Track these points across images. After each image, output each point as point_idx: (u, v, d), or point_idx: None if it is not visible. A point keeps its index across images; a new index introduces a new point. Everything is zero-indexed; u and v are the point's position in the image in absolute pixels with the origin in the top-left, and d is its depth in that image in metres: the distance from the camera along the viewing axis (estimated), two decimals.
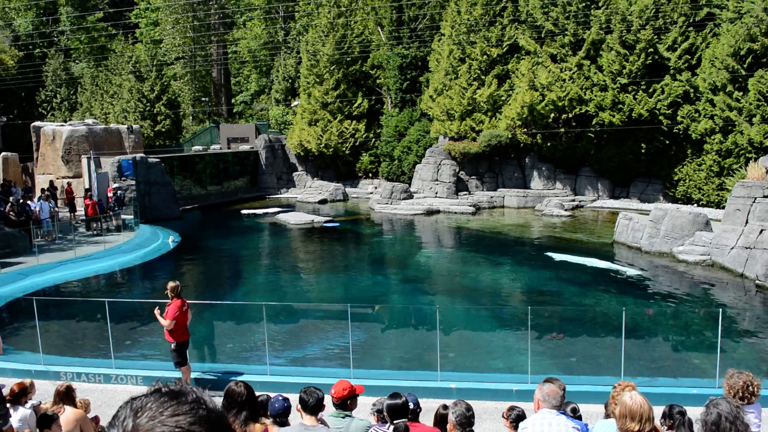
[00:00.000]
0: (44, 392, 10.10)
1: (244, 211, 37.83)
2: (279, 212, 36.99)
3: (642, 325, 16.59)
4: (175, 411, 1.72)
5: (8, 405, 7.61)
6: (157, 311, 11.55)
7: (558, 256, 24.46)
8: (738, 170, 29.84)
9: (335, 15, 46.10)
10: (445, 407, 7.25)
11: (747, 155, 30.20)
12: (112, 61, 54.25)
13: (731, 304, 19.12)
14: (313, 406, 6.03)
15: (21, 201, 27.43)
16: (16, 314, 18.27)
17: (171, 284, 11.60)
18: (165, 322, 11.31)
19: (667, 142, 34.42)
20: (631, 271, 22.43)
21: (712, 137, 32.04)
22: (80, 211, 32.03)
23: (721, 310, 13.54)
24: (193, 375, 12.01)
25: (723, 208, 25.99)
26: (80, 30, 63.55)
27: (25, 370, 12.42)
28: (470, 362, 13.92)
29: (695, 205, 33.15)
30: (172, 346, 11.49)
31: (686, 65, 33.46)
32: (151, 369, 12.87)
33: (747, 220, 22.00)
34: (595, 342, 15.52)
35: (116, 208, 30.87)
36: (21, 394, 7.85)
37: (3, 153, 41.29)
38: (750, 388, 5.81)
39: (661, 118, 33.68)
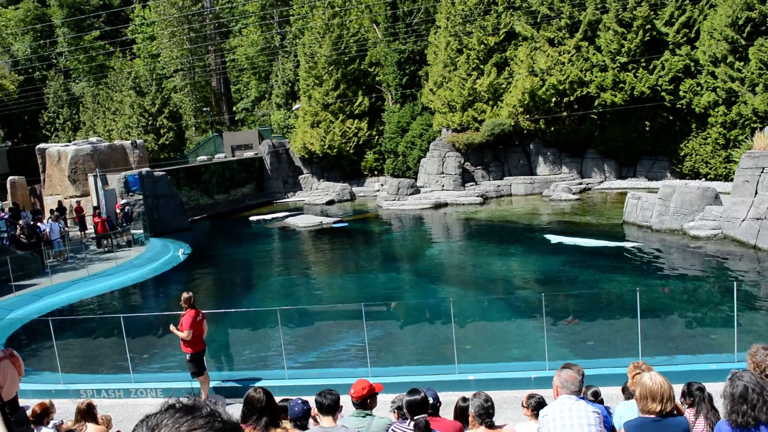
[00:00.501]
0: (65, 411, 10.15)
1: (252, 218, 37.88)
2: (287, 216, 37.02)
3: (657, 304, 16.51)
4: (191, 426, 1.73)
5: (32, 426, 7.64)
6: (172, 326, 11.56)
7: (555, 238, 24.95)
8: (744, 141, 29.64)
9: (330, 15, 46.09)
10: (465, 400, 7.24)
11: (752, 125, 30.02)
12: (112, 78, 54.49)
13: (745, 276, 19.00)
14: (328, 407, 6.02)
15: (31, 223, 27.56)
16: (33, 336, 18.36)
17: (185, 295, 11.61)
18: (182, 334, 11.32)
19: (671, 118, 34.26)
20: (629, 245, 22.81)
21: (716, 110, 31.86)
22: (90, 229, 32.15)
23: (735, 283, 13.46)
24: (211, 384, 12.04)
25: (731, 180, 25.82)
26: (78, 50, 63.82)
27: (45, 390, 12.48)
28: (487, 353, 13.89)
29: (703, 179, 33.00)
30: (188, 356, 11.51)
31: (685, 39, 33.28)
32: (170, 381, 12.90)
33: (756, 191, 21.85)
34: (611, 324, 15.46)
35: (125, 224, 30.97)
36: (43, 415, 7.89)
37: (10, 177, 41.50)
38: None
39: (663, 94, 33.52)
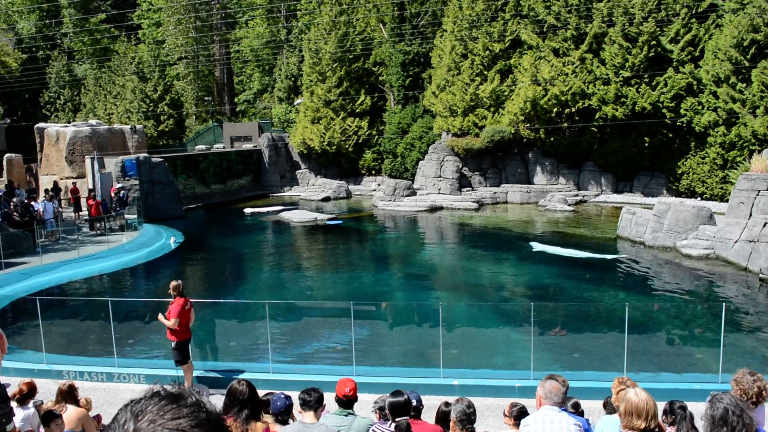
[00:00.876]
0: (47, 391, 10.13)
1: (247, 210, 37.83)
2: (281, 210, 36.99)
3: (645, 320, 16.54)
4: (175, 414, 1.71)
5: (14, 404, 7.61)
6: (160, 315, 11.53)
7: (537, 246, 25.34)
8: (742, 163, 29.73)
9: (337, 13, 46.08)
10: (447, 404, 7.24)
11: (751, 147, 30.10)
12: (115, 61, 54.36)
13: (735, 298, 19.05)
14: (312, 404, 6.03)
15: (25, 201, 27.49)
16: (19, 314, 18.32)
17: (174, 283, 11.59)
18: (168, 322, 11.30)
19: (671, 135, 34.34)
20: (609, 256, 23.18)
21: (716, 129, 31.94)
22: (84, 211, 32.07)
23: (724, 304, 13.49)
24: (195, 373, 12.02)
25: (727, 201, 25.89)
26: (83, 32, 63.64)
27: (28, 369, 12.44)
28: (473, 359, 13.89)
29: (699, 198, 33.08)
30: (173, 344, 11.48)
31: (689, 57, 33.34)
32: (153, 368, 12.88)
33: (751, 213, 21.92)
34: (598, 338, 15.48)
35: (119, 208, 30.90)
36: (30, 395, 7.87)
37: (7, 154, 41.40)
38: (763, 393, 5.72)
39: (664, 111, 33.60)
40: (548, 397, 5.53)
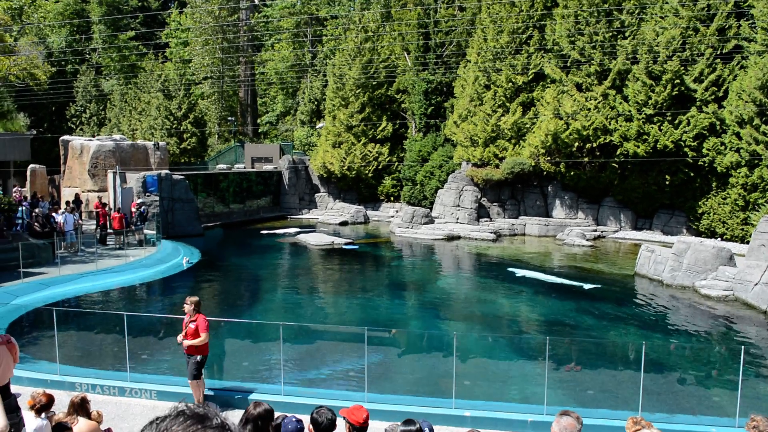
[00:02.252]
0: (59, 402, 10.12)
1: (264, 231, 37.93)
2: (299, 233, 37.10)
3: (661, 359, 16.35)
4: None
5: (31, 414, 7.64)
6: (180, 337, 11.47)
7: (520, 272, 26.74)
8: (764, 205, 29.52)
9: (362, 39, 46.53)
10: None
11: None
12: (142, 78, 55.15)
13: (754, 341, 18.78)
14: (325, 427, 6.02)
15: (46, 213, 27.79)
16: (35, 324, 18.43)
17: (195, 299, 11.58)
18: (202, 337, 11.30)
19: (692, 174, 34.14)
20: (588, 286, 24.14)
21: (738, 171, 31.74)
22: (91, 224, 32.42)
23: (743, 347, 13.30)
24: (206, 392, 12.00)
25: (747, 243, 25.66)
26: (112, 48, 64.70)
27: (41, 379, 12.48)
28: (485, 390, 13.77)
29: (719, 239, 32.78)
30: (198, 358, 11.44)
31: (713, 97, 33.24)
32: (165, 384, 12.87)
33: None
34: (613, 375, 15.30)
35: (139, 223, 31.14)
36: (48, 406, 7.88)
37: (31, 165, 41.95)
38: None
39: (686, 149, 33.46)
40: None
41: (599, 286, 24.48)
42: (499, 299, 23.22)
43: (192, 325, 11.30)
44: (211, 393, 12.12)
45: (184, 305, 11.52)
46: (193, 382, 11.61)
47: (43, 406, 7.78)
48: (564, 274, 26.75)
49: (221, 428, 1.75)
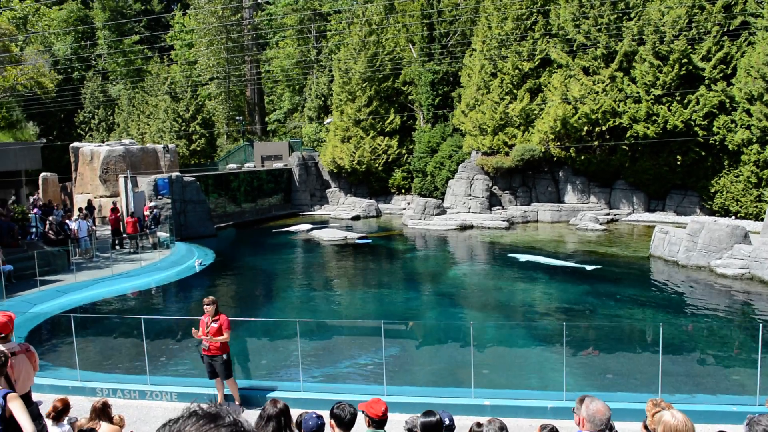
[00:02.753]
0: (80, 408, 10.23)
1: (275, 230, 38.00)
2: (312, 229, 37.16)
3: (679, 340, 16.29)
4: None
5: (49, 421, 7.71)
6: (200, 333, 11.56)
7: (522, 257, 27.38)
8: None
9: (367, 33, 46.45)
10: (479, 425, 7.16)
11: None
12: (148, 82, 55.36)
13: None
14: (347, 421, 6.05)
15: (60, 220, 27.98)
16: (54, 331, 18.58)
17: (212, 298, 11.71)
18: (225, 335, 11.49)
19: (703, 153, 33.92)
20: (590, 267, 24.82)
21: (750, 148, 31.51)
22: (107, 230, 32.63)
23: (761, 324, 13.23)
24: (226, 391, 12.07)
25: (762, 220, 25.49)
26: (117, 53, 64.92)
27: (62, 386, 12.59)
28: (504, 379, 13.77)
29: (733, 217, 32.58)
30: (225, 357, 11.59)
31: (721, 75, 32.98)
32: (185, 385, 12.95)
33: None
34: (631, 358, 15.26)
35: (152, 227, 31.29)
36: (63, 411, 7.95)
37: (43, 173, 42.21)
38: None
39: (696, 129, 33.24)
40: (592, 420, 5.35)
41: (600, 266, 25.08)
42: (514, 286, 23.19)
43: (215, 325, 11.41)
44: (230, 392, 12.19)
45: (205, 306, 11.59)
46: (230, 381, 11.76)
47: (60, 412, 7.85)
48: (566, 257, 27.24)
49: (234, 426, 1.76)
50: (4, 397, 6.34)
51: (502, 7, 39.76)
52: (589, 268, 24.78)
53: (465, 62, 43.56)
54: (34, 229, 28.30)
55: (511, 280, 24.21)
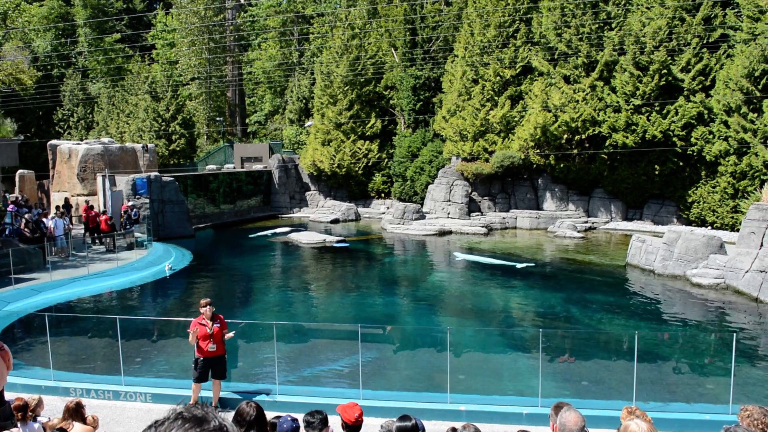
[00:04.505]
0: (53, 408, 10.11)
1: (253, 234, 37.72)
2: (290, 231, 37.04)
3: (654, 348, 16.43)
4: None
5: (17, 422, 7.59)
6: (197, 339, 11.54)
7: (461, 256, 29.44)
8: (753, 192, 29.68)
9: (349, 36, 46.46)
10: (454, 430, 7.18)
11: (762, 177, 30.08)
12: (129, 81, 54.93)
13: (745, 328, 18.89)
14: (316, 425, 6.07)
15: (36, 218, 27.65)
16: (28, 330, 18.35)
17: (209, 300, 11.81)
18: (231, 334, 11.75)
19: (681, 163, 34.30)
20: (520, 265, 26.81)
21: (727, 159, 31.91)
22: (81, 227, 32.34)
23: (735, 334, 13.38)
24: (201, 393, 11.98)
25: (737, 230, 25.80)
26: (98, 51, 64.41)
27: (35, 385, 12.44)
28: (480, 384, 13.80)
29: (709, 227, 32.96)
30: (225, 356, 11.81)
31: (700, 87, 33.38)
32: (160, 387, 12.84)
33: (762, 243, 21.80)
34: (607, 365, 15.37)
35: (129, 226, 31.03)
36: (21, 410, 7.80)
37: (20, 170, 41.71)
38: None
39: (674, 139, 33.61)
40: (564, 429, 5.34)
41: (532, 264, 27.22)
42: (490, 292, 23.27)
43: (218, 325, 11.49)
44: (206, 394, 12.10)
45: (202, 308, 11.56)
46: (218, 381, 11.80)
47: (22, 407, 7.72)
48: (500, 255, 29.44)
49: (219, 430, 1.75)
50: None
51: (484, 14, 39.96)
52: (519, 266, 26.58)
53: (447, 68, 43.72)
54: (9, 226, 27.96)
55: (490, 286, 24.30)
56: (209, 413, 1.80)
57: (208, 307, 11.52)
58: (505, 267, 26.76)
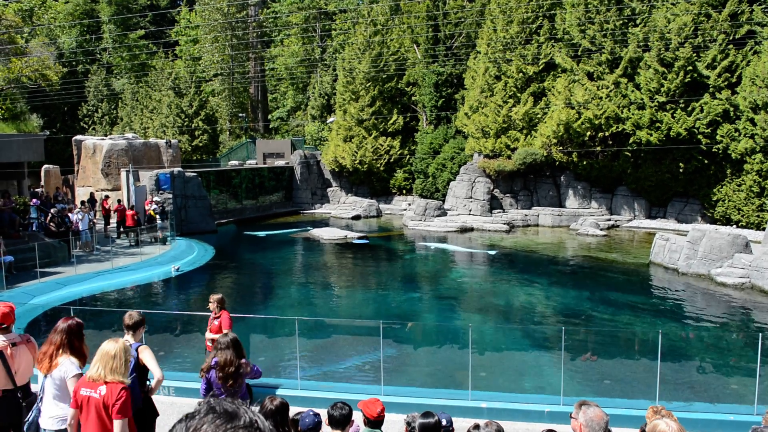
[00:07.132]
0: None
1: (264, 232, 37.46)
2: (300, 231, 37.14)
3: (678, 347, 16.28)
4: None
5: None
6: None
7: (433, 245, 31.97)
8: None
9: (371, 33, 46.43)
10: (477, 427, 7.16)
11: None
12: (153, 77, 55.31)
13: None
14: (338, 420, 6.08)
15: (61, 213, 27.99)
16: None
17: (219, 296, 11.69)
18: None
19: (706, 161, 33.90)
20: (492, 252, 29.70)
21: (753, 157, 31.50)
22: (112, 222, 32.67)
23: (760, 334, 13.22)
24: None
25: (763, 229, 25.48)
26: (122, 47, 64.91)
27: None
28: (502, 382, 13.76)
29: (734, 226, 32.56)
30: None
31: (726, 83, 32.97)
32: (184, 380, 12.94)
33: None
34: (629, 364, 15.26)
35: (164, 220, 31.36)
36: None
37: (45, 165, 42.22)
38: None
39: (699, 137, 33.21)
40: (590, 426, 5.32)
41: (509, 250, 30.26)
42: (512, 289, 23.19)
43: (216, 322, 11.43)
44: None
45: (209, 303, 11.61)
46: None
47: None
48: (472, 244, 32.30)
49: (251, 426, 1.74)
50: (137, 350, 7.81)
51: (507, 11, 39.75)
52: (492, 252, 29.41)
53: (469, 64, 43.56)
54: (34, 221, 28.33)
55: (512, 283, 24.21)
56: (240, 408, 1.79)
57: (210, 303, 11.56)
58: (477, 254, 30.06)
